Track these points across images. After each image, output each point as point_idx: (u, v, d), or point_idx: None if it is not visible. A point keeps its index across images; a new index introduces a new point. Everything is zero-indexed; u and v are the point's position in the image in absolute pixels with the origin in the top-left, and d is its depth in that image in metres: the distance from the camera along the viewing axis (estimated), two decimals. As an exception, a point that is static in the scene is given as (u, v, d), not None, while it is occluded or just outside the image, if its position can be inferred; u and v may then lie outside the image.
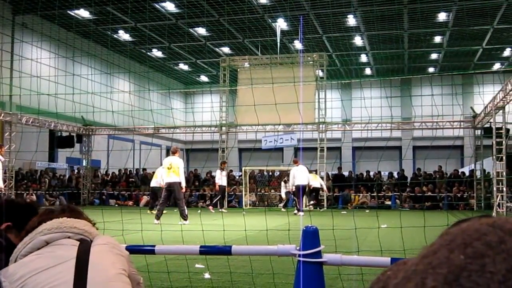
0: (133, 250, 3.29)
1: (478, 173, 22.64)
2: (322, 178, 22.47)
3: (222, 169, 19.81)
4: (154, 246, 3.83)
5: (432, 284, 0.46)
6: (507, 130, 18.55)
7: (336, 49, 29.57)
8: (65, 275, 1.83)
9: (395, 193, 23.39)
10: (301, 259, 3.29)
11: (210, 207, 19.72)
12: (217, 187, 19.93)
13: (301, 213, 16.30)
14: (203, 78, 37.92)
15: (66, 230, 2.01)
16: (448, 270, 0.46)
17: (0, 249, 2.10)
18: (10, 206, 2.34)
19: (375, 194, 23.68)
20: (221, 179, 19.66)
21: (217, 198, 19.94)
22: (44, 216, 2.11)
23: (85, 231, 2.05)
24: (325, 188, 21.46)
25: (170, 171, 13.24)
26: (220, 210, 19.03)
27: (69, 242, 1.98)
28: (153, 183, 18.23)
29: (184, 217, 12.96)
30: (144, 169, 27.47)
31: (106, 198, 25.43)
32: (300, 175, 17.59)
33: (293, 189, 18.25)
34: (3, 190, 12.81)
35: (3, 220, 2.23)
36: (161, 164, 14.96)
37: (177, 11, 24.48)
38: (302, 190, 17.84)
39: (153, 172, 19.44)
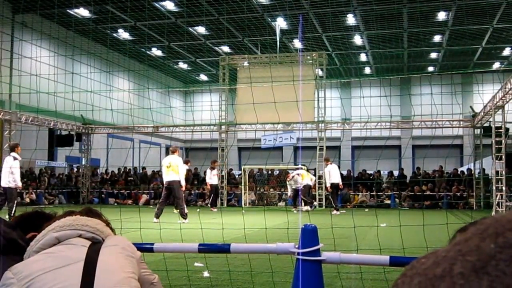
0: (132, 248, 3.28)
1: (477, 172, 22.63)
2: (320, 176, 22.41)
3: (212, 168, 19.76)
4: (152, 244, 3.81)
5: (459, 270, 0.46)
6: (507, 129, 18.54)
7: (335, 48, 29.56)
8: (73, 277, 1.82)
9: (394, 192, 23.38)
10: (300, 257, 3.28)
11: (212, 208, 19.75)
12: (208, 186, 20.00)
13: (336, 212, 16.87)
14: (203, 77, 37.90)
15: (78, 228, 2.01)
16: (477, 258, 0.46)
17: (17, 250, 2.08)
18: (38, 216, 2.35)
19: (374, 193, 23.67)
20: (211, 178, 19.66)
21: (211, 198, 20.09)
22: (62, 215, 2.14)
23: (97, 230, 2.05)
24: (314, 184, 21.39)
25: (169, 170, 13.29)
26: (213, 209, 19.09)
27: (80, 242, 1.97)
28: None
29: (183, 216, 12.99)
30: (143, 168, 27.45)
31: (105, 197, 25.41)
32: (335, 174, 17.99)
33: (329, 188, 18.34)
34: (20, 188, 12.93)
35: (30, 229, 2.24)
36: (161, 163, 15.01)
37: (177, 10, 24.45)
38: (335, 189, 18.31)
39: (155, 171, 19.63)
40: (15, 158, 12.67)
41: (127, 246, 2.07)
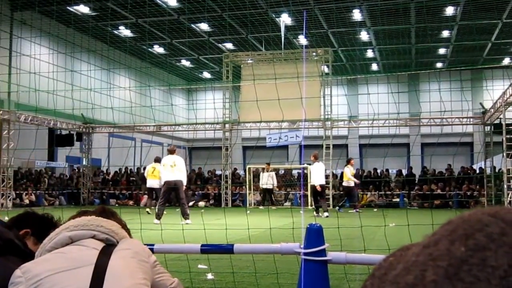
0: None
1: (488, 170, 22.28)
2: (327, 176, 22.01)
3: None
4: (153, 245, 3.72)
5: (432, 278, 0.44)
6: (517, 126, 18.30)
7: (341, 44, 29.24)
8: (81, 281, 1.82)
9: (403, 191, 23.06)
10: (305, 257, 3.29)
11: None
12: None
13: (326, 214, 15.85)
14: (206, 74, 37.70)
15: (93, 228, 2.01)
16: (448, 263, 0.44)
17: (14, 250, 2.14)
18: (30, 216, 2.46)
19: (383, 192, 23.35)
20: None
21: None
22: (76, 215, 2.18)
23: (112, 231, 2.04)
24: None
25: (174, 169, 13.11)
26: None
27: (92, 244, 1.96)
28: (151, 183, 16.98)
29: (186, 216, 12.71)
30: (145, 168, 27.08)
31: (106, 198, 25.07)
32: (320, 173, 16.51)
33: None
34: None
35: (23, 227, 2.34)
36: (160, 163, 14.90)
37: (179, 6, 24.18)
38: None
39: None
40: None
41: (141, 250, 2.04)
